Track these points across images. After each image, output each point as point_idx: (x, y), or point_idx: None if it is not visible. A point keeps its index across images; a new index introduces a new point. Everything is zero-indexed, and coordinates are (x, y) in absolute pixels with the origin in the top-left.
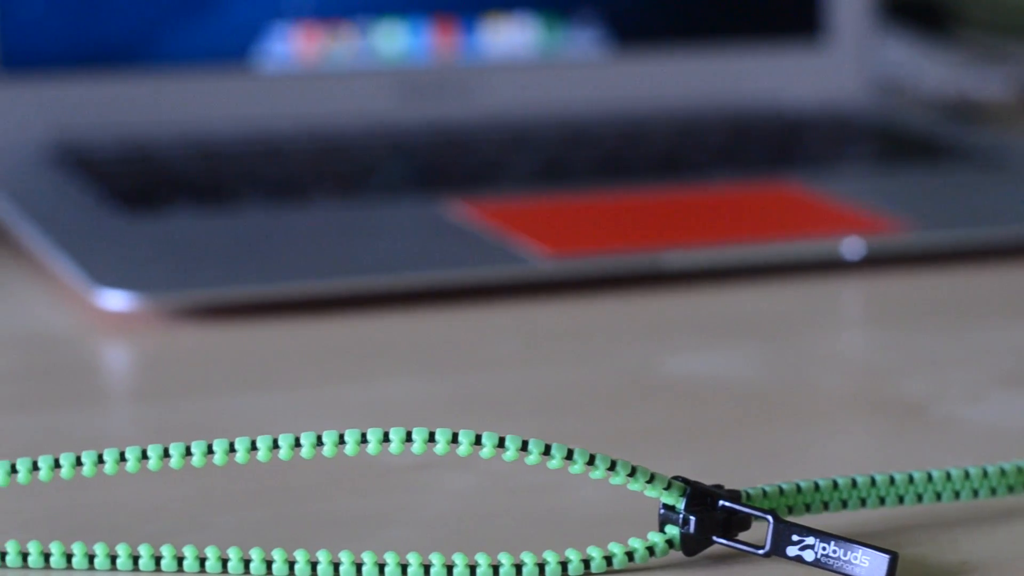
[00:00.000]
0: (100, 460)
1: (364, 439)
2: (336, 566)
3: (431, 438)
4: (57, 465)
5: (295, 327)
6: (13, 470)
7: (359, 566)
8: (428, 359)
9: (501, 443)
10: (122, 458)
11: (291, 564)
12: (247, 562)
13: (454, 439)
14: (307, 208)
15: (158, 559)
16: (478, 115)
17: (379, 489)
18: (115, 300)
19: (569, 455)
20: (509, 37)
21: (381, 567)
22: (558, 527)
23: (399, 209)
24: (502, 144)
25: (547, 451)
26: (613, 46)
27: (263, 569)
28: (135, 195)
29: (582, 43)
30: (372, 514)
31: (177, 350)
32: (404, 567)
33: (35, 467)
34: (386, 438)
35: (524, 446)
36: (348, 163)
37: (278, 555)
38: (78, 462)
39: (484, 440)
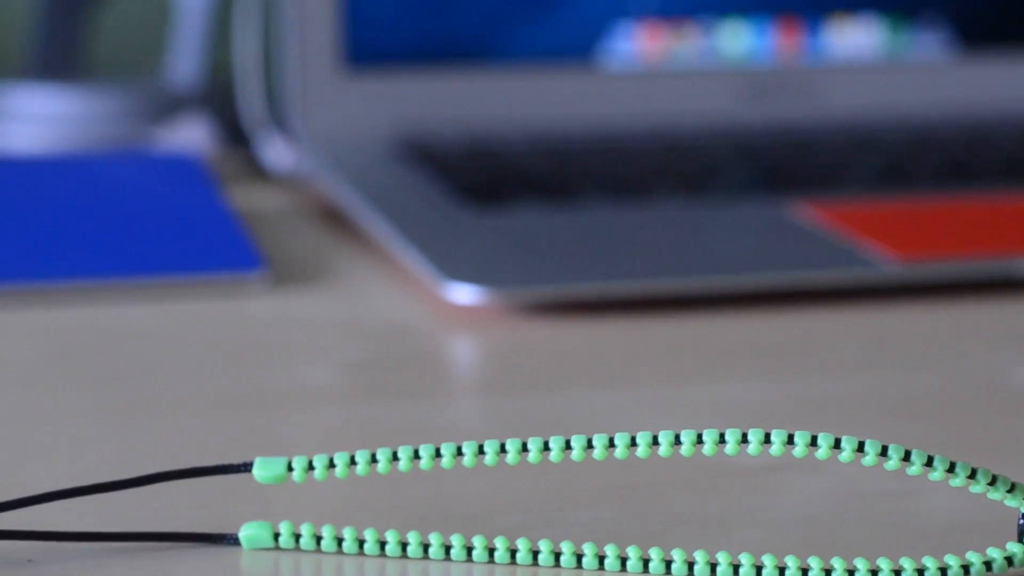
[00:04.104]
0: (459, 452)
1: (722, 439)
2: (691, 565)
3: (789, 440)
4: (416, 456)
5: (639, 325)
6: (373, 460)
7: (713, 566)
8: (773, 361)
9: (860, 447)
10: (480, 451)
11: (645, 562)
12: (601, 559)
13: (812, 442)
14: (650, 207)
15: (513, 552)
16: (821, 116)
17: (730, 490)
18: (463, 294)
19: (929, 462)
20: (853, 38)
21: (735, 568)
22: (912, 534)
23: (742, 210)
24: (845, 146)
25: (906, 457)
26: (958, 48)
27: (618, 566)
28: (481, 190)
29: (927, 45)
30: (724, 515)
31: (523, 345)
32: (759, 568)
33: (395, 457)
34: (744, 439)
35: (883, 451)
36: (690, 162)
37: (632, 552)
38: (437, 453)
39: (843, 444)
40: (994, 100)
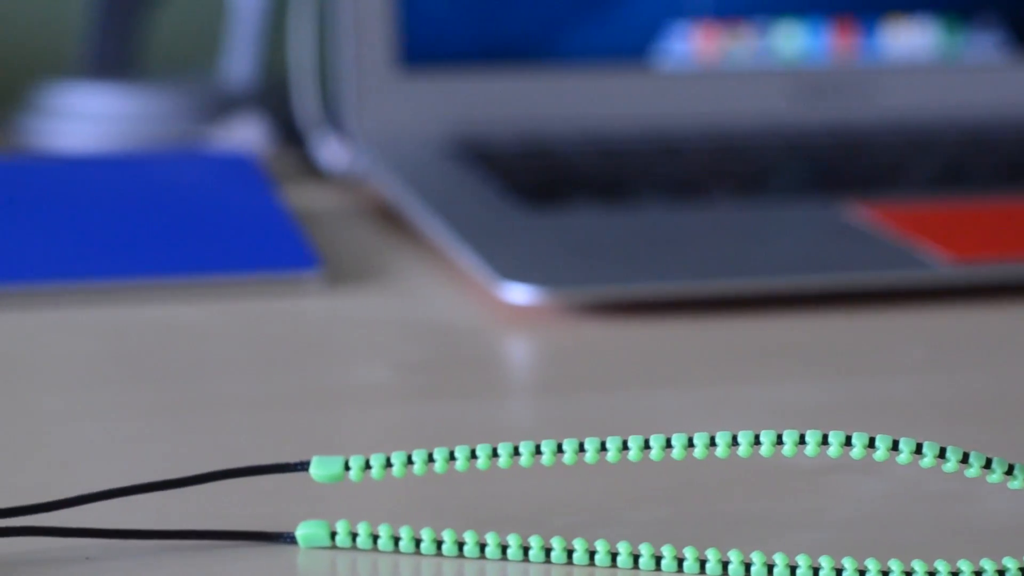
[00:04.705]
0: (516, 452)
1: (779, 440)
2: (748, 566)
3: (847, 442)
4: (473, 456)
5: (694, 325)
6: (430, 459)
7: (770, 567)
8: (828, 362)
9: (918, 449)
10: (537, 451)
11: (702, 563)
12: (658, 559)
13: (870, 444)
14: (705, 207)
15: (569, 552)
16: (876, 117)
17: (787, 491)
18: (518, 294)
19: (987, 464)
20: (908, 39)
21: (792, 569)
22: (970, 536)
23: (797, 210)
24: (901, 147)
25: (965, 459)
26: (1014, 49)
27: (675, 567)
28: (536, 190)
29: (983, 46)
30: (781, 516)
31: (578, 345)
32: (816, 570)
33: (452, 457)
34: (802, 440)
35: (941, 453)
36: (745, 163)
37: (689, 553)
38: (494, 453)
39: (901, 446)
40: None
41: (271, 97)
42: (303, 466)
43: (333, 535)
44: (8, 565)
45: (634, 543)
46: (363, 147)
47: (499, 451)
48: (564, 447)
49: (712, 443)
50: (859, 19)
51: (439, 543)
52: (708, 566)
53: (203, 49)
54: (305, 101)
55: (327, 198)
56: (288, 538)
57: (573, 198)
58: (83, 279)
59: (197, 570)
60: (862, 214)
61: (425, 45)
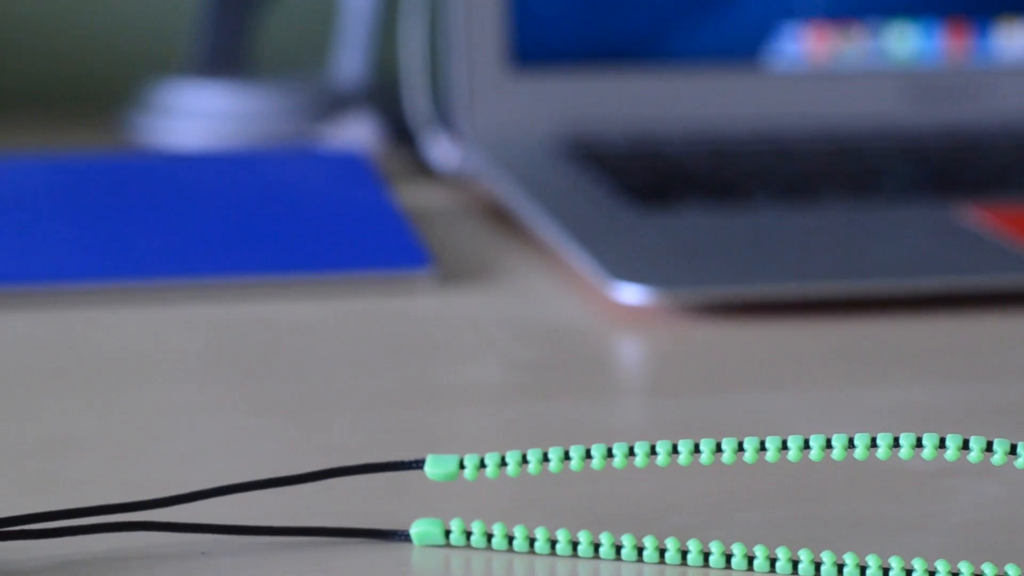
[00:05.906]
0: (630, 452)
1: (896, 443)
2: (863, 569)
3: (964, 445)
4: (588, 455)
5: (806, 327)
6: (545, 459)
7: (886, 571)
8: (941, 365)
9: None
10: (652, 451)
11: (817, 565)
12: (772, 561)
13: (988, 448)
14: (817, 209)
15: (684, 553)
16: (989, 119)
17: (901, 494)
18: (630, 294)
19: None
20: (1022, 41)
21: (908, 573)
22: None
23: (910, 213)
24: (1013, 149)
25: None
26: None
27: (789, 568)
28: (646, 190)
29: None
30: (894, 518)
31: (690, 346)
32: (932, 574)
33: (566, 456)
34: (918, 443)
35: None
36: (857, 164)
37: (804, 555)
38: (609, 453)
39: (1019, 450)
40: None
41: (382, 96)
42: (418, 464)
43: (447, 533)
44: (124, 560)
45: (749, 545)
46: (474, 146)
47: (614, 451)
48: (679, 448)
49: (828, 445)
50: (972, 20)
51: (553, 543)
52: (823, 568)
53: (314, 47)
54: (416, 100)
55: (438, 197)
56: (402, 536)
57: (684, 198)
58: (196, 276)
59: (311, 567)
60: (975, 216)
61: (536, 44)
